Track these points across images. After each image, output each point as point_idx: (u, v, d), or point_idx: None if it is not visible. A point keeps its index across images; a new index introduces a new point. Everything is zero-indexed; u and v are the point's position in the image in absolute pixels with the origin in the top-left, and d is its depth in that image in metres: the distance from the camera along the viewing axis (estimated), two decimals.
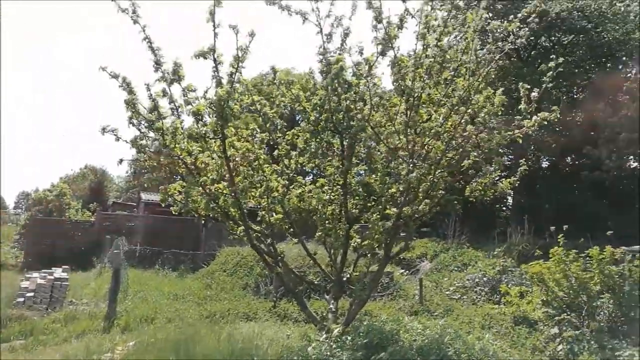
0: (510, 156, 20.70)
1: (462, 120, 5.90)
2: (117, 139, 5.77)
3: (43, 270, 13.35)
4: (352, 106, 6.09)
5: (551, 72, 5.89)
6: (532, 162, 22.01)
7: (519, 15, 6.17)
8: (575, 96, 22.19)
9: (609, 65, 21.30)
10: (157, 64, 5.50)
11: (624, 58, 20.78)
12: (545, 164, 25.18)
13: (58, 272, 13.28)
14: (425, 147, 5.96)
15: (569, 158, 22.67)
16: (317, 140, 6.53)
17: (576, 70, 21.13)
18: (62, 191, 31.97)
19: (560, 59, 5.91)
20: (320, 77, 6.44)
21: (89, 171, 53.59)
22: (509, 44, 5.85)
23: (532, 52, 22.98)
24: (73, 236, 21.88)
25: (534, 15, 5.80)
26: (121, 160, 6.52)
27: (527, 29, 5.78)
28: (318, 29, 6.32)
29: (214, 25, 5.03)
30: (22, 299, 11.24)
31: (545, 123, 5.99)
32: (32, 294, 11.46)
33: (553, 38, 21.73)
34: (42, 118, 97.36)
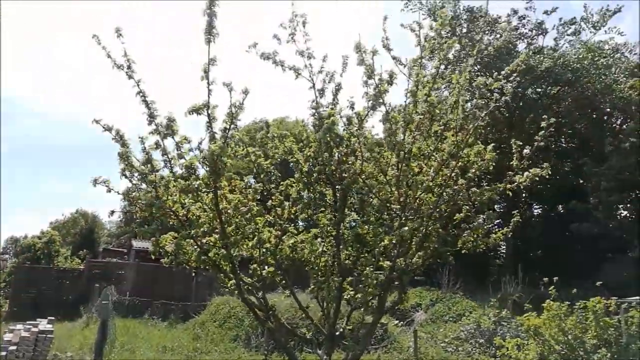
0: (503, 203, 20.86)
1: (453, 174, 5.97)
2: (109, 190, 5.77)
3: (27, 322, 12.98)
4: (344, 159, 6.18)
5: (543, 132, 6.04)
6: (524, 209, 22.19)
7: (502, 72, 6.40)
8: (563, 145, 22.64)
9: (594, 115, 21.85)
10: (151, 117, 5.57)
11: (609, 109, 21.36)
12: (537, 211, 25.36)
13: (43, 324, 12.90)
14: (417, 201, 6.01)
15: (560, 206, 22.87)
16: (310, 191, 6.60)
17: (563, 121, 21.63)
18: (52, 238, 31.56)
19: (552, 119, 6.07)
20: (312, 126, 6.58)
21: (80, 216, 53.19)
22: (494, 103, 6.01)
23: (520, 103, 23.57)
24: (61, 285, 21.46)
25: (515, 75, 5.99)
26: (112, 212, 6.52)
27: (510, 86, 5.96)
28: (311, 84, 6.55)
29: (207, 83, 5.13)
30: (4, 353, 10.86)
31: (537, 179, 6.07)
32: (14, 347, 11.09)
33: (539, 90, 22.35)
34: (33, 162, 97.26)
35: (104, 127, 5.67)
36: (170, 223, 6.15)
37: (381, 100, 5.95)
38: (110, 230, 58.67)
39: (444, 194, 5.95)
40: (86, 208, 54.12)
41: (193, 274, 19.99)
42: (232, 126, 5.37)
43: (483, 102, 6.19)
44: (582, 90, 20.95)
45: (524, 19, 22.70)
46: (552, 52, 21.31)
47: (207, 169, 5.33)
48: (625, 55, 22.31)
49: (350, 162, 6.13)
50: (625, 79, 20.66)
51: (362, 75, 6.06)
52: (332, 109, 6.25)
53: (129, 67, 5.59)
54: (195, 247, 5.98)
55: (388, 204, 6.21)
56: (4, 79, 73.48)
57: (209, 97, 5.18)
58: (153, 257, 6.68)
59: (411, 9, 22.26)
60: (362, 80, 6.18)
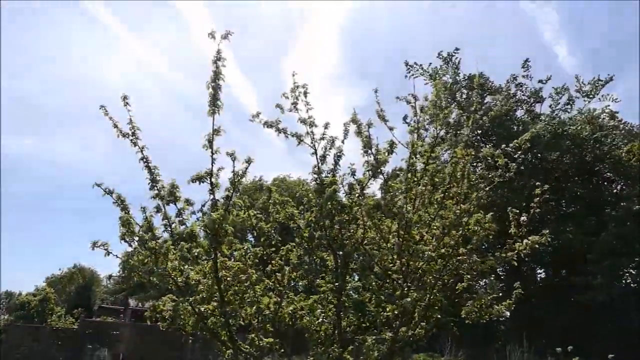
0: (506, 267, 20.58)
1: (455, 244, 5.95)
2: (107, 254, 5.76)
3: None
4: (345, 225, 6.19)
5: (538, 199, 6.07)
6: (527, 275, 21.89)
7: (510, 145, 6.54)
8: (564, 209, 22.64)
9: (594, 180, 22.01)
10: (154, 182, 5.64)
11: (608, 174, 21.54)
12: (540, 276, 24.98)
13: None
14: (419, 271, 5.96)
15: (563, 271, 22.57)
16: (311, 256, 6.56)
17: (563, 185, 21.77)
18: (47, 296, 31.00)
19: (546, 186, 6.13)
20: (314, 191, 6.63)
21: (78, 271, 52.45)
22: (498, 178, 6.10)
23: (521, 167, 23.79)
24: (53, 345, 20.88)
25: (520, 152, 6.11)
26: (110, 276, 6.49)
27: (515, 163, 6.06)
28: (312, 150, 6.68)
29: (211, 152, 5.23)
30: None
31: (537, 246, 6.04)
32: None
33: (539, 155, 22.65)
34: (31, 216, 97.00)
35: (105, 191, 5.72)
36: (169, 287, 6.09)
37: (380, 171, 6.03)
38: (107, 287, 57.75)
39: (448, 264, 5.91)
40: (84, 263, 53.53)
41: (190, 339, 19.47)
42: (235, 193, 5.42)
43: (487, 173, 6.29)
44: (581, 156, 21.23)
45: (521, 86, 23.36)
46: (549, 120, 21.77)
47: (208, 237, 5.31)
48: (621, 120, 22.75)
49: (352, 231, 6.14)
50: (623, 144, 20.98)
51: (361, 145, 6.19)
52: (333, 175, 6.33)
53: (133, 134, 5.71)
54: (193, 313, 5.88)
55: (390, 272, 6.16)
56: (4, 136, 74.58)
57: (212, 165, 5.26)
58: (149, 322, 6.56)
59: (413, 75, 22.93)
60: (361, 150, 6.31)
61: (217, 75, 5.19)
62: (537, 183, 6.31)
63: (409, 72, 23.07)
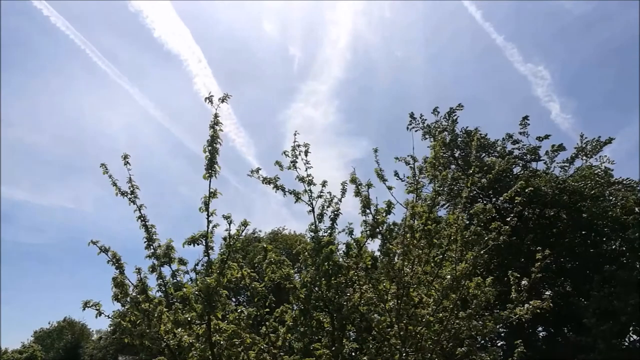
0: (507, 323, 20.05)
1: (454, 307, 5.85)
2: (99, 314, 5.63)
3: None
4: (342, 287, 6.10)
5: (539, 263, 6.04)
6: (528, 333, 21.38)
7: (504, 195, 6.55)
8: (563, 264, 22.42)
9: (592, 236, 21.94)
10: (150, 241, 5.59)
11: (605, 229, 21.49)
12: (542, 334, 24.38)
13: None
14: (418, 336, 5.82)
15: (566, 329, 22.06)
16: (307, 318, 6.40)
17: (561, 241, 21.66)
18: (34, 354, 30.02)
19: (547, 251, 6.11)
20: (311, 250, 6.55)
21: (67, 325, 50.95)
22: (492, 241, 6.09)
23: (517, 223, 23.74)
24: None
25: (517, 209, 6.10)
26: (100, 338, 6.28)
27: (508, 227, 6.07)
28: (310, 208, 6.70)
29: (207, 214, 5.22)
30: None
31: (538, 311, 5.95)
32: None
33: (536, 210, 22.67)
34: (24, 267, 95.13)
35: (100, 249, 5.67)
36: (161, 350, 5.91)
37: (379, 231, 6.01)
38: (97, 342, 56.02)
39: (447, 328, 5.78)
40: (75, 317, 52.12)
41: None
42: (229, 255, 5.36)
43: (482, 230, 6.26)
44: (578, 213, 21.24)
45: (518, 142, 23.68)
46: (546, 176, 21.95)
47: (202, 302, 5.20)
48: (619, 179, 22.95)
49: (349, 293, 6.04)
50: (618, 201, 21.08)
51: (359, 205, 6.20)
52: (330, 234, 6.31)
53: (132, 193, 5.72)
54: None
55: (388, 336, 6.00)
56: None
57: (207, 227, 5.23)
58: None
59: (414, 127, 23.30)
60: (359, 209, 6.32)
61: (214, 139, 5.24)
62: (539, 248, 6.29)
63: (411, 124, 23.45)
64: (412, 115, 23.22)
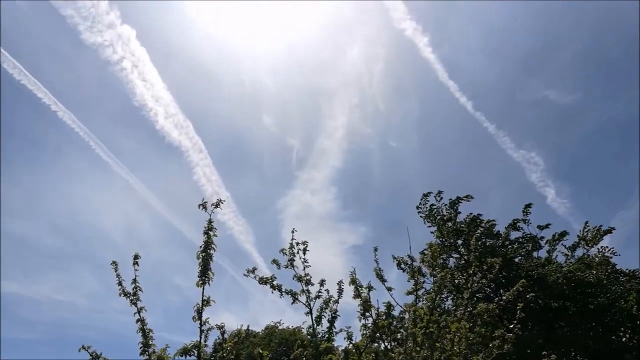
0: None
1: None
2: None
3: None
4: None
5: None
6: None
7: (507, 294, 6.46)
8: (572, 355, 21.56)
9: (600, 330, 21.29)
10: (145, 347, 5.48)
11: (612, 323, 20.89)
12: None
13: None
14: None
15: None
16: None
17: (569, 333, 20.99)
18: None
19: (553, 356, 5.98)
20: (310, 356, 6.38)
21: None
22: (495, 347, 5.99)
23: (523, 314, 23.07)
24: None
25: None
26: None
27: (512, 334, 6.00)
28: (308, 309, 6.61)
29: (200, 323, 5.13)
30: None
31: None
32: None
33: (540, 302, 22.20)
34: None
35: (91, 356, 5.55)
36: None
37: (379, 335, 5.91)
38: None
39: None
40: None
41: None
42: None
43: (485, 332, 6.16)
44: (585, 304, 20.77)
45: (519, 230, 23.63)
46: (550, 265, 21.70)
47: None
48: (620, 267, 22.68)
49: None
50: (626, 291, 20.67)
51: (359, 307, 6.14)
52: (329, 339, 6.19)
53: (134, 294, 5.67)
54: None
55: None
56: None
57: (200, 337, 5.14)
58: None
59: (419, 214, 23.37)
60: (359, 311, 6.24)
61: (208, 245, 5.24)
62: (544, 352, 6.15)
63: (418, 208, 23.48)
64: (418, 207, 23.15)
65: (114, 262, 5.80)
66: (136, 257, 5.73)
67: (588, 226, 23.47)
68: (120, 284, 5.75)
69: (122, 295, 5.68)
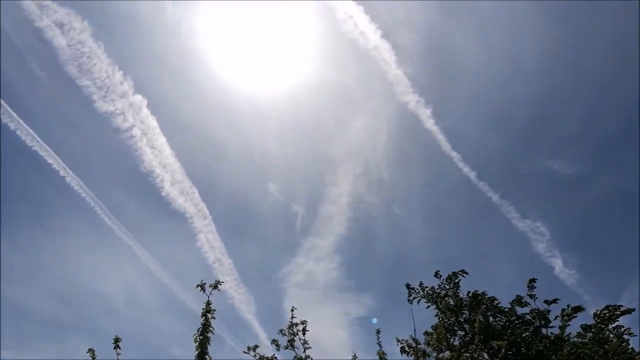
0: None
1: None
2: None
3: None
4: None
5: None
6: None
7: None
8: None
9: None
10: None
11: None
12: None
13: None
14: None
15: None
16: None
17: None
18: None
19: None
20: None
21: None
22: None
23: None
24: None
25: None
26: None
27: None
28: None
29: None
30: None
31: None
32: None
33: None
34: None
35: None
36: None
37: None
38: None
39: None
40: None
41: None
42: None
43: None
44: None
45: (525, 305, 23.05)
46: (560, 342, 20.95)
47: None
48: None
49: None
50: None
51: None
52: None
53: None
54: None
55: None
56: None
57: None
58: None
59: (415, 298, 22.77)
60: None
61: (205, 328, 5.14)
62: None
63: (410, 295, 22.91)
64: (408, 286, 22.45)
65: (90, 350, 5.65)
66: (117, 340, 5.56)
67: (603, 308, 22.83)
68: None
69: None
